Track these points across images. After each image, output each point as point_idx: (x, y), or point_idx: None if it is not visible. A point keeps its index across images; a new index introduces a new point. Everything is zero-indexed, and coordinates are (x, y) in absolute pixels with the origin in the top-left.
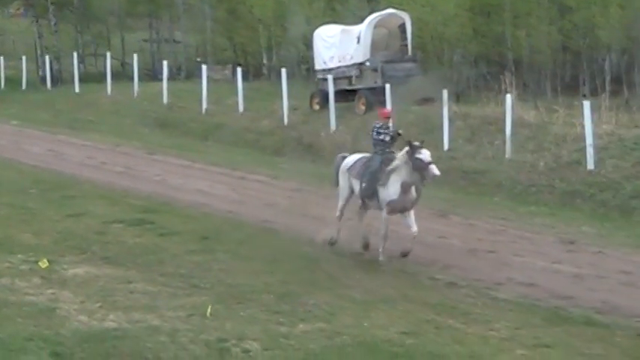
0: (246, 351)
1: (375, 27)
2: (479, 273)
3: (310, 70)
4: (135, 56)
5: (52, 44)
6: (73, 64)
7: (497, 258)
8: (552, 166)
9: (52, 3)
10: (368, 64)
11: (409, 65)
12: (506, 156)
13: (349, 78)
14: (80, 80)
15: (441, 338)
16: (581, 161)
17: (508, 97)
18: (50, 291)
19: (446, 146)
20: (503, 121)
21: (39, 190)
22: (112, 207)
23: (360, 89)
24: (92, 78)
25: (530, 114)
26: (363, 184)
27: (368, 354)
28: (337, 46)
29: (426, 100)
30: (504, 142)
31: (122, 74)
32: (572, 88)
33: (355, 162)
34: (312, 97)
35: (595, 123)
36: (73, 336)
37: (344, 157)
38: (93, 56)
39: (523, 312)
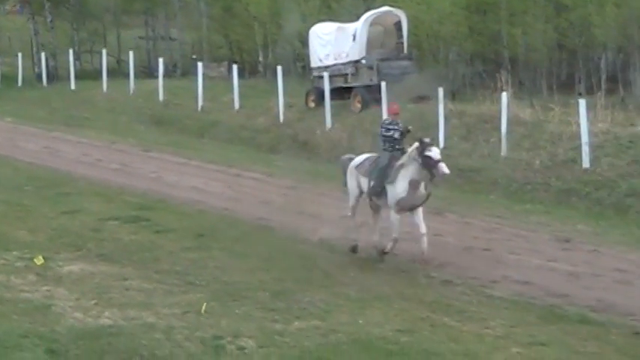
0: (242, 348)
1: (371, 25)
2: (474, 271)
3: (306, 67)
4: (131, 53)
5: (48, 41)
6: (68, 61)
7: (493, 256)
8: (548, 164)
9: (48, 0)
10: (364, 61)
11: (405, 63)
12: (502, 154)
13: (345, 76)
14: (76, 77)
15: (436, 336)
16: (576, 159)
17: (504, 95)
18: (45, 288)
19: (441, 144)
20: (499, 119)
21: (34, 187)
22: (108, 204)
23: (355, 87)
24: (88, 75)
25: (526, 112)
26: (372, 182)
27: (363, 351)
28: (333, 43)
29: (422, 98)
30: (500, 140)
31: (118, 71)
32: (567, 87)
33: (363, 160)
34: (307, 95)
35: (590, 121)
36: (69, 333)
37: (351, 159)
38: (89, 53)
39: (518, 310)
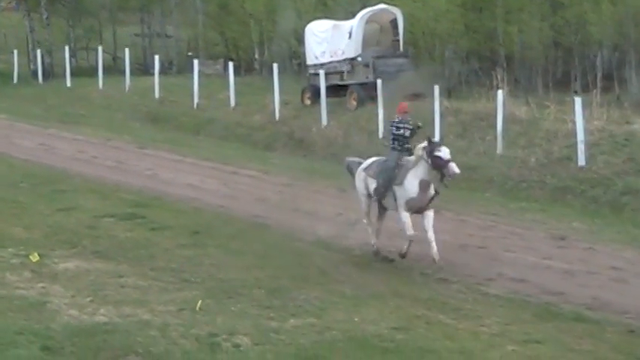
0: (237, 346)
1: (367, 22)
2: (470, 269)
3: (302, 65)
4: (126, 50)
5: (44, 38)
6: (64, 58)
7: (488, 254)
8: (543, 162)
9: None
10: (359, 59)
11: (401, 61)
12: (498, 152)
13: (341, 73)
14: (72, 74)
15: (431, 334)
16: (572, 157)
17: (499, 92)
18: (41, 285)
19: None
20: (495, 116)
21: (30, 184)
22: (103, 201)
23: (351, 84)
24: (84, 72)
25: (522, 110)
26: (379, 182)
27: (358, 349)
28: (329, 41)
29: (416, 96)
30: (495, 138)
31: (114, 68)
32: (563, 84)
33: (372, 163)
34: (303, 92)
35: (586, 119)
36: (64, 330)
37: (359, 162)
38: (85, 50)
39: (514, 308)
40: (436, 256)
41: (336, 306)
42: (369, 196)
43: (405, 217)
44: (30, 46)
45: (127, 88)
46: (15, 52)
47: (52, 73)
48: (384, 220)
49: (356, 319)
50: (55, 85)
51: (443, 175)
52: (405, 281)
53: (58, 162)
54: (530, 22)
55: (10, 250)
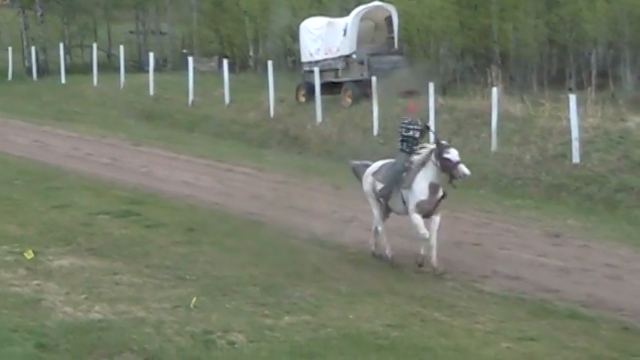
0: (232, 343)
1: (362, 19)
2: (464, 266)
3: (296, 62)
4: (121, 48)
5: (39, 35)
6: (59, 56)
7: (483, 251)
8: (538, 159)
9: None
10: (354, 56)
11: (395, 58)
12: (492, 149)
13: (335, 70)
14: (66, 71)
15: (426, 331)
16: (566, 154)
17: (494, 90)
18: (35, 282)
19: (431, 139)
20: (490, 114)
21: (24, 181)
22: (98, 198)
23: (346, 82)
24: (78, 69)
25: (517, 107)
26: (386, 182)
27: (353, 346)
28: (323, 38)
29: (410, 93)
30: (490, 135)
31: (108, 66)
32: (558, 82)
33: (380, 167)
34: (298, 90)
35: (581, 116)
36: (58, 327)
37: (366, 165)
38: (79, 47)
39: (508, 305)
40: (435, 264)
41: (330, 303)
42: (379, 200)
43: (417, 218)
44: (24, 43)
45: (121, 86)
46: (9, 49)
47: (46, 70)
48: (386, 221)
49: (351, 317)
50: (49, 82)
51: (452, 177)
52: (400, 279)
53: (53, 159)
54: (525, 19)
55: (4, 247)
